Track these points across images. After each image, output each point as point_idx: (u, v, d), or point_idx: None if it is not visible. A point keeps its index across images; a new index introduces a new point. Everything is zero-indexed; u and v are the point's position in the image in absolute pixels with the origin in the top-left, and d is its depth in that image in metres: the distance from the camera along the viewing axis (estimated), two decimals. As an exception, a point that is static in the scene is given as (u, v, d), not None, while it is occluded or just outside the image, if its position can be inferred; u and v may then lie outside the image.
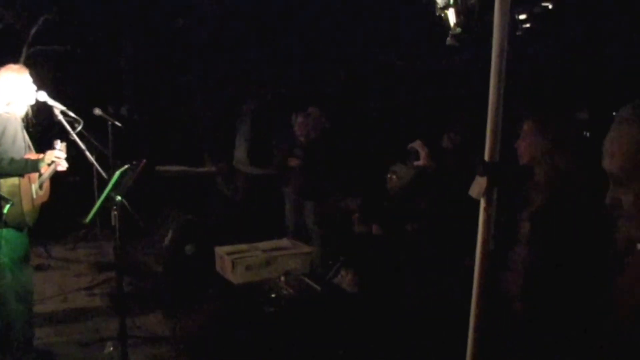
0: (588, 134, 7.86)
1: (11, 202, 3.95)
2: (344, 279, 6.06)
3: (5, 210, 3.93)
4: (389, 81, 9.22)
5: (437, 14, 3.10)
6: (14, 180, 4.04)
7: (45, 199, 4.53)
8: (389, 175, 7.16)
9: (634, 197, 2.48)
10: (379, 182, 7.38)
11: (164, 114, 11.01)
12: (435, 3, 3.07)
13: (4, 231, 4.02)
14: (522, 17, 3.13)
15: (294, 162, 6.77)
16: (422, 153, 4.41)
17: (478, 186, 2.74)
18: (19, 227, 4.18)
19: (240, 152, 9.69)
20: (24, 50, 9.78)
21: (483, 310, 2.73)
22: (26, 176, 4.13)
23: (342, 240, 6.82)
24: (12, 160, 3.98)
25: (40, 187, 4.36)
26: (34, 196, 4.26)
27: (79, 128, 4.40)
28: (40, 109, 4.45)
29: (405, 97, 9.10)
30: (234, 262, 4.93)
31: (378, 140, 8.48)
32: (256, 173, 8.84)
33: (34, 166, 4.12)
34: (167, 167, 9.36)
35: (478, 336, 2.74)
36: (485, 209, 2.72)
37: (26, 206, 4.13)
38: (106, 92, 10.51)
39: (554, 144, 3.44)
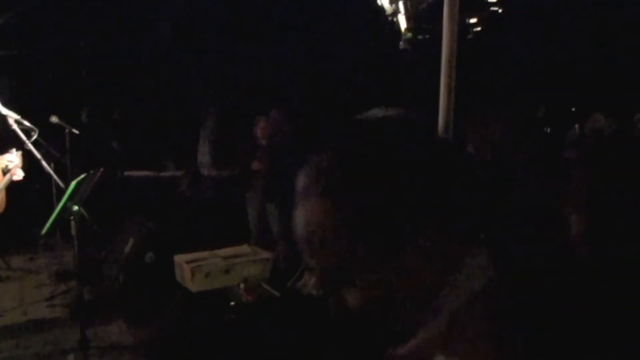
0: (548, 130, 8.06)
1: None
2: (308, 282, 6.07)
3: None
4: (349, 81, 9.29)
5: (389, 19, 3.15)
6: None
7: (0, 210, 4.44)
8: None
9: None
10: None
11: (127, 118, 10.88)
12: (384, 10, 3.12)
13: None
14: (473, 20, 3.19)
15: (256, 165, 6.76)
16: None
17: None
18: None
19: (204, 156, 9.64)
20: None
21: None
22: None
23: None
24: None
25: None
26: None
27: (35, 137, 4.34)
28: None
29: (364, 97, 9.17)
30: (193, 270, 4.90)
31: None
32: (220, 176, 8.80)
33: None
34: (131, 173, 9.27)
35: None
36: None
37: None
38: (66, 98, 10.38)
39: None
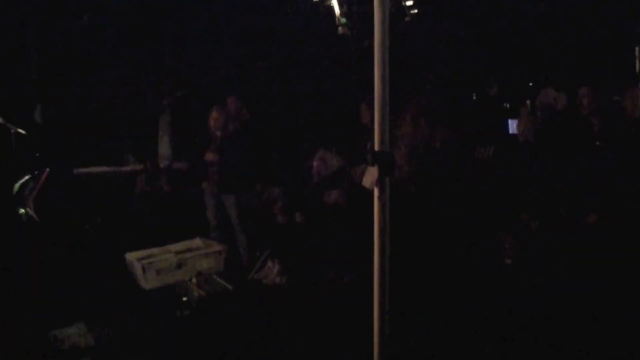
0: (507, 105, 8.12)
1: None
2: (271, 270, 6.05)
3: None
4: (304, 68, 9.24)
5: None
6: None
7: None
8: (315, 162, 7.18)
9: None
10: (300, 169, 7.39)
11: (81, 114, 10.70)
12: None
13: None
14: (409, 3, 3.16)
15: (210, 156, 6.69)
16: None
17: (370, 176, 2.76)
18: None
19: (163, 148, 9.55)
20: None
21: (385, 297, 2.76)
22: None
23: (267, 232, 6.82)
24: None
25: None
26: None
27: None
28: None
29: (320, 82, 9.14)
30: (144, 267, 4.86)
31: (297, 128, 8.49)
32: (179, 168, 8.74)
33: None
34: (88, 169, 9.13)
35: (382, 322, 2.77)
36: (379, 198, 2.74)
37: None
38: (16, 97, 10.13)
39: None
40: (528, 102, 7.00)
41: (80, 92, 10.85)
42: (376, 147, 2.72)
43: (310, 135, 8.21)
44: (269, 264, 6.13)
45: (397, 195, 2.75)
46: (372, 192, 2.79)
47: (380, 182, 2.72)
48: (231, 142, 6.65)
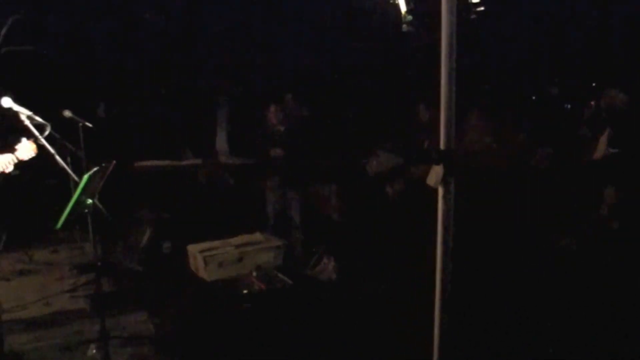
0: (569, 106, 7.95)
1: None
2: (327, 266, 6.10)
3: None
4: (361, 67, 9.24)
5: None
6: None
7: None
8: (369, 159, 7.19)
9: None
10: (356, 168, 7.40)
11: (142, 110, 10.93)
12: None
13: None
14: (475, 0, 3.15)
15: (275, 152, 6.71)
16: None
17: (435, 175, 2.76)
18: None
19: (220, 143, 9.66)
20: (-5, 51, 9.69)
21: (447, 297, 2.76)
22: None
23: (322, 228, 6.86)
24: None
25: None
26: None
27: (48, 132, 4.36)
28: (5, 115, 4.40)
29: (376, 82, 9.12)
30: (206, 259, 4.95)
31: (354, 126, 8.49)
32: (237, 163, 8.82)
33: None
34: (147, 163, 9.29)
35: (443, 321, 2.78)
36: (444, 198, 2.74)
37: None
38: (82, 91, 10.43)
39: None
40: (592, 103, 6.84)
41: (139, 89, 11.10)
42: (441, 146, 2.72)
43: (367, 133, 8.21)
44: (324, 260, 6.17)
45: (457, 196, 2.74)
46: (428, 190, 2.80)
47: (445, 181, 2.72)
48: (295, 138, 6.67)
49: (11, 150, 4.32)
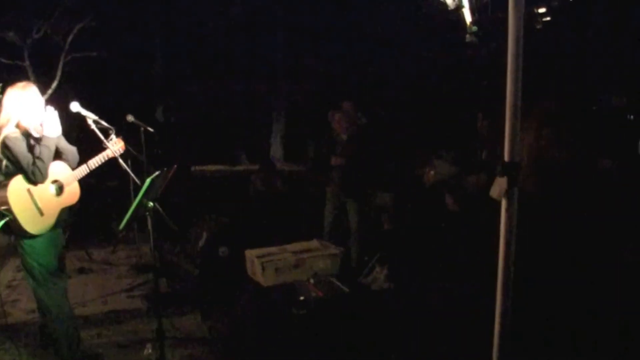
0: (631, 117, 7.75)
1: (9, 217, 3.97)
2: (379, 275, 6.08)
3: None
4: (418, 75, 9.20)
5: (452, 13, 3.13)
6: (21, 190, 4.06)
7: (71, 202, 4.46)
8: (427, 169, 7.16)
9: None
10: (411, 177, 7.37)
11: (199, 115, 11.12)
12: (445, 5, 3.09)
13: (28, 241, 4.13)
14: (541, 10, 3.12)
15: (336, 160, 6.68)
16: None
17: (498, 187, 2.73)
18: (39, 235, 4.18)
19: (275, 149, 9.75)
20: (61, 58, 10.00)
21: (507, 308, 2.73)
22: (28, 187, 4.12)
23: (375, 237, 6.84)
24: (36, 159, 4.04)
25: (61, 190, 4.37)
26: (38, 204, 4.17)
27: (112, 136, 4.47)
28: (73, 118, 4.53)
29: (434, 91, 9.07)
30: (264, 264, 5.00)
31: (409, 135, 8.47)
32: (291, 169, 8.88)
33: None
34: (204, 167, 9.45)
35: (503, 334, 2.75)
36: (507, 210, 2.72)
37: (24, 216, 4.08)
38: (141, 96, 10.67)
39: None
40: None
41: (198, 94, 11.29)
42: (505, 158, 2.69)
43: (424, 142, 8.18)
44: (377, 269, 6.16)
45: (520, 206, 2.71)
46: (485, 200, 2.77)
47: (508, 193, 2.69)
48: (355, 146, 6.65)
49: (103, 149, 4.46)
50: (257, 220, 7.55)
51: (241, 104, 11.08)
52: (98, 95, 8.06)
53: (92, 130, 4.42)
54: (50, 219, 4.29)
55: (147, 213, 4.31)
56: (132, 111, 5.88)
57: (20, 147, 4.05)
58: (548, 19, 3.21)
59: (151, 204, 4.33)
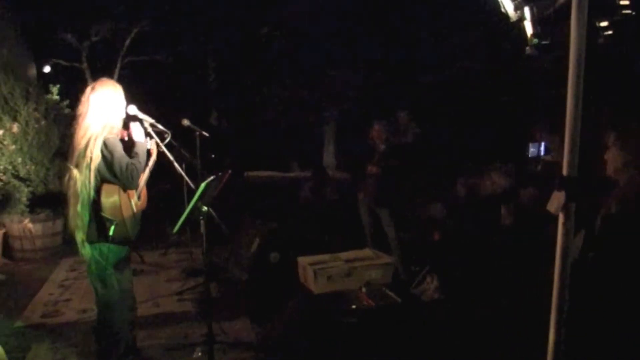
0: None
1: (115, 222, 3.97)
2: (429, 286, 6.00)
3: (110, 232, 3.96)
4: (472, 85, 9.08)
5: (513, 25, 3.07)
6: (115, 199, 4.01)
7: (143, 206, 4.49)
8: (482, 181, 7.05)
9: None
10: (465, 189, 7.26)
11: (252, 121, 11.20)
12: (507, 18, 3.03)
13: (111, 246, 4.09)
14: (604, 24, 3.03)
15: (372, 169, 6.70)
16: None
17: (556, 201, 2.67)
18: (124, 242, 4.19)
19: (328, 157, 9.74)
20: (119, 61, 10.20)
21: (563, 322, 2.66)
22: (125, 192, 4.12)
23: (425, 247, 6.75)
24: (129, 163, 4.00)
25: (139, 197, 4.39)
26: (134, 209, 4.23)
27: (168, 139, 4.50)
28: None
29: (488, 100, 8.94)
30: (316, 272, 4.96)
31: (464, 146, 8.36)
32: (343, 177, 8.86)
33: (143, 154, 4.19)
34: (256, 173, 9.50)
35: (558, 346, 2.67)
36: (564, 224, 2.65)
37: (129, 221, 4.10)
38: (196, 101, 10.80)
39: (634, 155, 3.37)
40: None
41: (251, 101, 11.37)
42: (564, 172, 2.62)
43: (477, 153, 8.06)
44: (428, 279, 6.08)
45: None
46: (540, 213, 2.70)
47: (566, 208, 2.62)
48: (394, 156, 6.63)
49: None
50: (308, 227, 7.53)
51: (295, 111, 11.10)
52: (154, 98, 8.14)
53: (149, 134, 4.44)
54: (138, 223, 4.34)
55: (201, 217, 4.32)
56: (187, 115, 5.92)
57: (120, 151, 4.00)
58: (610, 32, 3.11)
59: (205, 208, 4.34)
